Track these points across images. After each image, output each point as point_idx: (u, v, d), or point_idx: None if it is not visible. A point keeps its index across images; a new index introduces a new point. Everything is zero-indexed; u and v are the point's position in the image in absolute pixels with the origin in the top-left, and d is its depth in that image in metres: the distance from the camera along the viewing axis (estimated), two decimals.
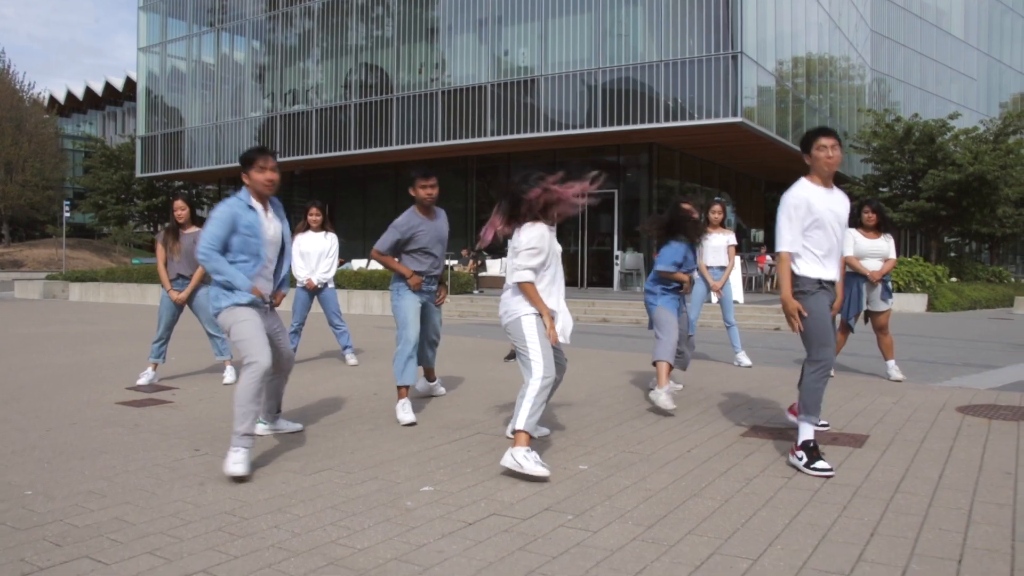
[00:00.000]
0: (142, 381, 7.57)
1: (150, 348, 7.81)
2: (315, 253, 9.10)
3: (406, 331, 5.95)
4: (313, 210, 9.20)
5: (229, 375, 7.77)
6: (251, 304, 4.69)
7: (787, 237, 4.63)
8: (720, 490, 4.13)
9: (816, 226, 4.63)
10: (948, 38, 41.87)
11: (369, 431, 5.55)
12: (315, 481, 4.29)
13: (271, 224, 4.86)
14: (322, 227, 9.18)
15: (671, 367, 6.36)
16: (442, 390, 6.96)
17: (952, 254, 34.77)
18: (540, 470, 4.24)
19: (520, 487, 4.17)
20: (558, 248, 4.72)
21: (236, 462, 4.30)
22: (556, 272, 4.69)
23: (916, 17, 38.62)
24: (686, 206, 6.63)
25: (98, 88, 67.77)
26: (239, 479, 4.26)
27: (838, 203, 4.73)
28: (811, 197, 4.63)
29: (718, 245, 9.12)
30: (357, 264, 23.72)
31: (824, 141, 4.62)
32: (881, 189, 28.12)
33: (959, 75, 42.86)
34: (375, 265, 24.05)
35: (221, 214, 4.64)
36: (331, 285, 9.30)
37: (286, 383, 5.28)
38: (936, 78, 40.40)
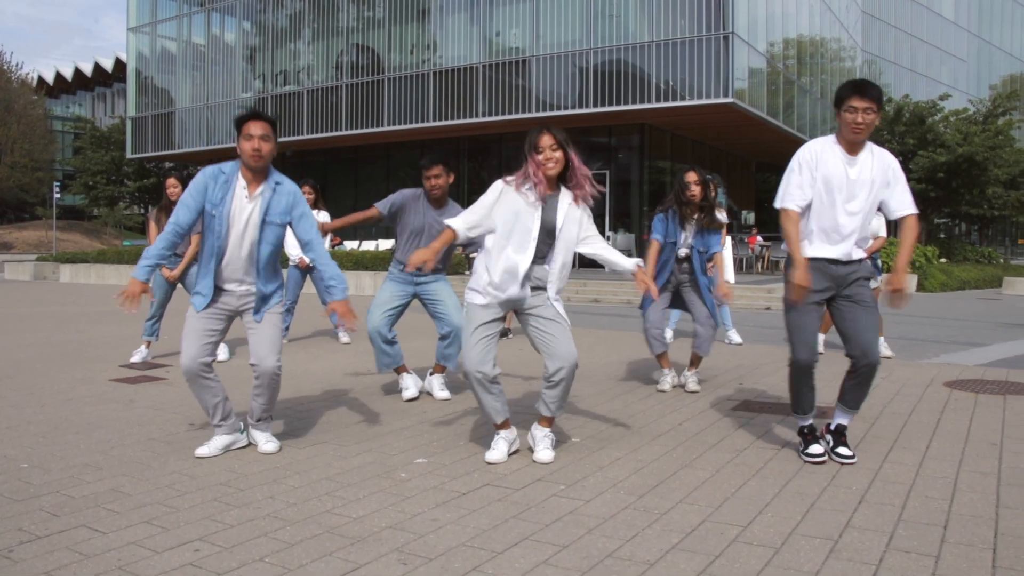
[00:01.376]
0: (135, 359, 7.60)
1: (143, 326, 7.79)
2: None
3: (367, 319, 5.66)
4: (305, 188, 9.13)
5: (222, 353, 7.79)
6: (208, 304, 4.28)
7: (788, 191, 4.19)
8: (711, 461, 4.18)
9: (824, 193, 4.10)
10: (939, 19, 41.88)
11: (362, 406, 5.59)
12: (309, 454, 4.33)
13: (255, 205, 4.24)
14: (315, 206, 9.18)
15: (665, 356, 6.25)
16: (443, 394, 5.89)
17: (942, 235, 34.90)
18: (492, 455, 4.22)
19: (511, 460, 4.21)
20: (532, 224, 4.18)
21: (218, 444, 4.35)
22: (525, 246, 4.18)
23: None
24: (689, 177, 6.07)
25: (87, 69, 67.22)
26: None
27: (866, 172, 4.09)
28: (827, 156, 4.11)
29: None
30: (349, 245, 23.70)
31: (856, 103, 3.97)
32: None
33: (949, 57, 42.90)
34: (367, 246, 24.08)
35: (193, 181, 4.27)
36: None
37: (267, 399, 4.38)
38: (927, 59, 40.44)
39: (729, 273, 9.28)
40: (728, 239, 9.45)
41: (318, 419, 5.18)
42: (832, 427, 4.31)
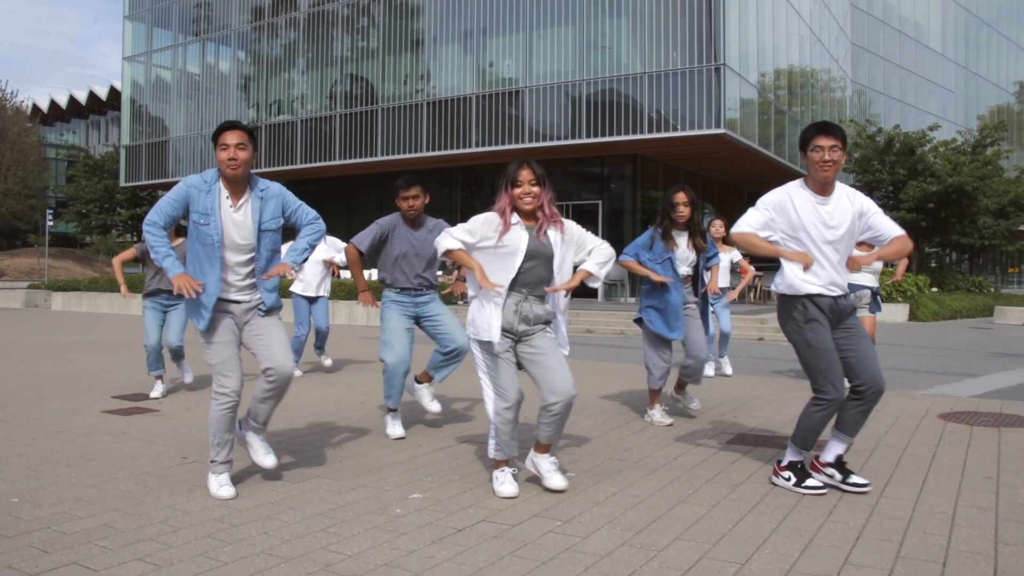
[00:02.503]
0: (156, 393, 7.37)
1: (146, 364, 7.56)
2: (315, 259, 9.07)
3: (385, 353, 5.57)
4: None
5: (188, 375, 7.90)
6: (218, 315, 4.23)
7: (745, 219, 4.26)
8: (707, 496, 4.16)
9: (794, 236, 4.20)
10: (926, 51, 42.34)
11: (356, 440, 5.56)
12: (303, 489, 4.29)
13: (244, 216, 4.22)
14: None
15: (658, 391, 6.24)
16: (435, 406, 5.86)
17: (933, 264, 35.07)
18: (504, 490, 4.18)
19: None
20: (518, 248, 4.18)
21: (222, 484, 4.17)
22: (509, 272, 4.19)
23: (895, 31, 39.04)
24: (679, 197, 5.99)
25: (82, 97, 67.43)
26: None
27: (841, 207, 4.19)
28: (794, 202, 4.18)
29: (723, 265, 9.00)
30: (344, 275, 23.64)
31: (822, 141, 4.09)
32: None
33: (938, 88, 43.32)
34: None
35: (174, 190, 4.17)
36: (325, 295, 9.28)
37: (276, 403, 4.44)
38: (915, 90, 40.83)
39: (724, 280, 9.31)
40: (729, 255, 9.41)
41: (312, 453, 5.15)
42: (832, 459, 4.30)
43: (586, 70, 22.39)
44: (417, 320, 5.76)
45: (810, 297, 4.18)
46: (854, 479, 4.21)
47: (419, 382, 5.88)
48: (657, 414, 6.13)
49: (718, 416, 6.42)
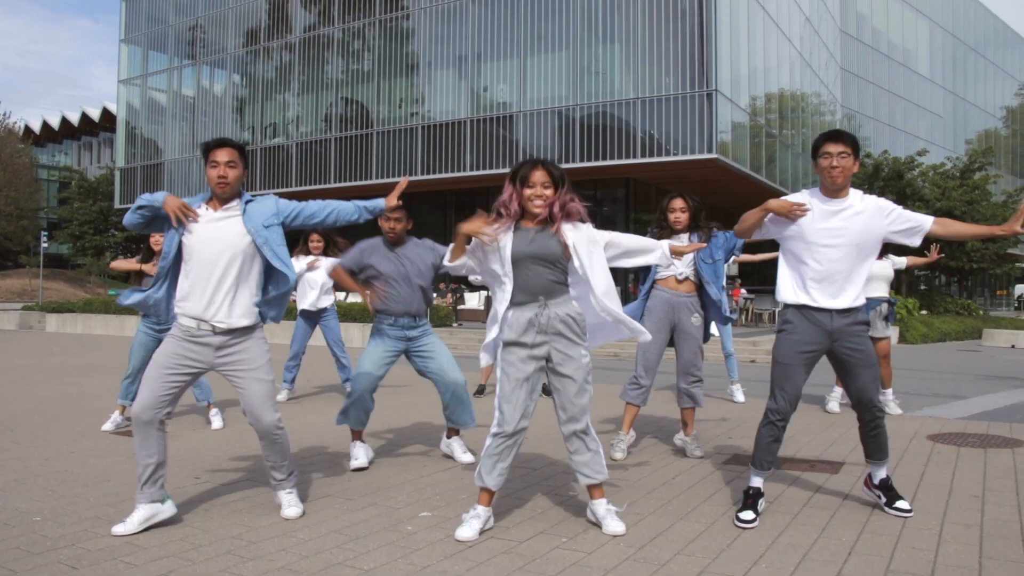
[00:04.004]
0: (108, 427, 6.85)
1: (120, 386, 7.09)
2: (317, 280, 8.90)
3: (355, 380, 5.39)
4: (314, 237, 8.84)
5: (216, 420, 7.11)
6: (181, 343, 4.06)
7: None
8: (705, 514, 4.32)
9: (799, 240, 4.15)
10: (915, 76, 42.89)
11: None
12: (316, 507, 4.44)
13: (226, 228, 4.07)
14: (324, 253, 8.84)
15: (634, 408, 5.86)
16: (467, 457, 5.64)
17: (922, 287, 35.38)
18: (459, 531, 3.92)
19: (514, 513, 4.35)
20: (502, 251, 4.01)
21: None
22: (509, 282, 4.00)
23: (884, 56, 39.58)
24: (675, 203, 5.79)
25: (74, 118, 67.58)
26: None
27: (850, 219, 4.09)
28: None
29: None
30: (340, 295, 23.79)
31: (830, 148, 4.07)
32: None
33: (926, 112, 43.85)
34: (355, 297, 24.18)
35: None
36: (331, 307, 8.98)
37: (277, 455, 4.26)
38: (904, 115, 41.34)
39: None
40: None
41: (322, 472, 5.29)
42: (878, 481, 4.38)
43: (579, 95, 22.71)
44: (407, 353, 5.53)
45: (798, 308, 4.20)
46: (899, 504, 4.26)
47: (448, 437, 5.75)
48: (626, 443, 5.79)
49: (714, 437, 6.59)
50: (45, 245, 35.82)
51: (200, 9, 31.77)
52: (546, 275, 3.99)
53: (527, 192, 3.97)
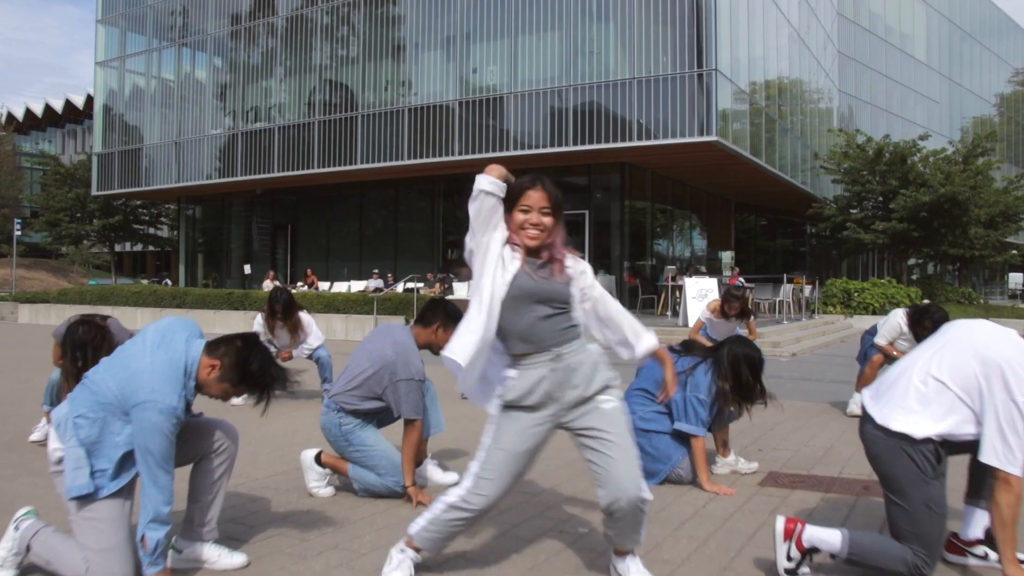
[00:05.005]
0: (36, 436, 5.92)
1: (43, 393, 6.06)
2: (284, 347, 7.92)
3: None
4: (276, 307, 7.82)
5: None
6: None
7: None
8: (751, 560, 3.45)
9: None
10: (912, 61, 42.09)
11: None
12: (262, 551, 3.56)
13: None
14: (286, 317, 7.86)
15: None
16: (449, 477, 4.85)
17: (915, 276, 34.73)
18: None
19: (511, 559, 3.47)
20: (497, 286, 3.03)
21: None
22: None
23: (881, 40, 38.74)
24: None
25: (58, 106, 66.38)
26: None
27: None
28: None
29: (724, 331, 7.70)
30: (323, 286, 22.92)
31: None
32: (852, 210, 27.94)
33: (923, 98, 43.09)
34: (339, 287, 23.33)
35: None
36: (319, 346, 8.09)
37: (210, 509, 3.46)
38: (901, 100, 40.54)
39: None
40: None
41: (276, 502, 4.40)
42: (982, 534, 3.45)
43: (572, 76, 21.75)
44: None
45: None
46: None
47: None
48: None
49: (741, 449, 5.71)
50: (19, 233, 34.75)
51: None
52: (557, 321, 3.07)
53: (520, 218, 3.06)
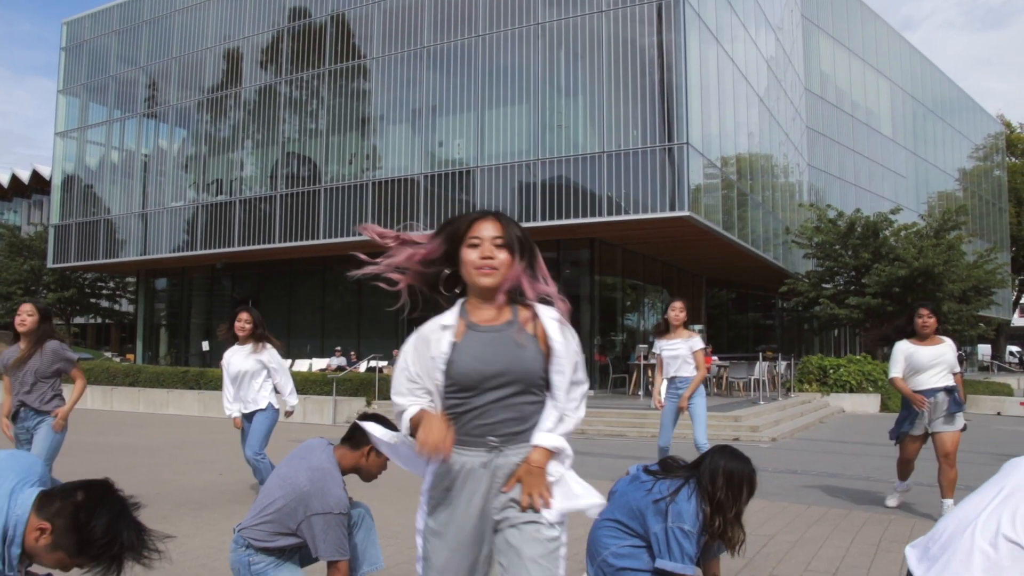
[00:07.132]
0: None
1: None
2: (246, 375, 7.13)
3: None
4: (243, 316, 7.23)
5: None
6: None
7: None
8: None
9: None
10: (878, 136, 42.51)
11: None
12: None
13: None
14: (252, 338, 7.19)
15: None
16: None
17: (886, 350, 34.38)
18: None
19: None
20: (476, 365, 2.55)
21: None
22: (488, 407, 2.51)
23: (848, 115, 39.08)
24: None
25: (25, 176, 65.49)
26: None
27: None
28: None
29: (677, 353, 8.09)
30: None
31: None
32: (824, 285, 27.62)
33: (890, 172, 43.43)
34: (300, 366, 22.38)
35: None
36: (264, 407, 7.15)
37: None
38: (869, 175, 40.78)
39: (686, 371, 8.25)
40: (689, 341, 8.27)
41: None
42: None
43: (540, 150, 21.36)
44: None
45: None
46: None
47: None
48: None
49: (755, 568, 4.93)
50: None
51: (143, 59, 30.21)
52: (515, 405, 2.50)
53: (469, 255, 2.54)
